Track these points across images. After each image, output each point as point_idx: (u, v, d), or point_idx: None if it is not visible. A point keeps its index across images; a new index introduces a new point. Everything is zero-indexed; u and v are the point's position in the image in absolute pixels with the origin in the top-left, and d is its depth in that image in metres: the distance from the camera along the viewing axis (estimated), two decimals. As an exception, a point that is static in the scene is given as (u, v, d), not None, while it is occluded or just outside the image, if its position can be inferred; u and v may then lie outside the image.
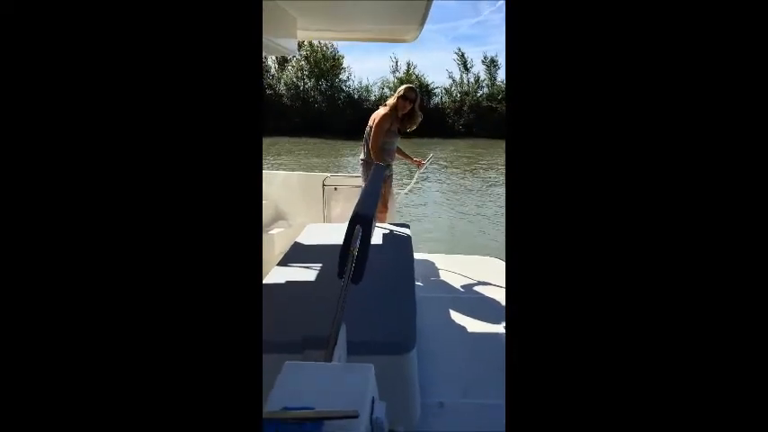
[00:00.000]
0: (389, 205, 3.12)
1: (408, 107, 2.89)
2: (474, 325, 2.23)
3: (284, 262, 2.02)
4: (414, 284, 1.87)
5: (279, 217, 3.44)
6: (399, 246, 2.30)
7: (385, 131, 2.89)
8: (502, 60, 28.60)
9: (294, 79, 27.79)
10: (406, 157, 3.24)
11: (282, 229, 3.21)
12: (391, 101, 2.91)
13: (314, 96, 27.51)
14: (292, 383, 0.86)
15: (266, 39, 2.05)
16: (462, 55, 28.29)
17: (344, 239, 1.21)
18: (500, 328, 2.16)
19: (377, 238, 2.36)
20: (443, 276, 2.81)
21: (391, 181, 3.11)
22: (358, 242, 1.19)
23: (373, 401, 0.84)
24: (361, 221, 1.22)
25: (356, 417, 0.73)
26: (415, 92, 2.92)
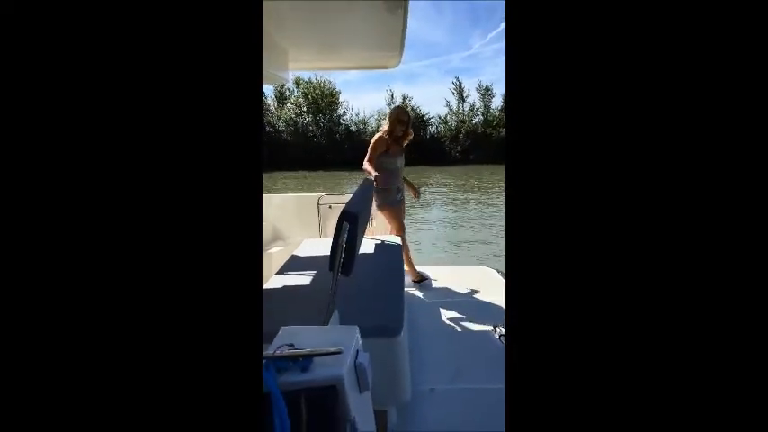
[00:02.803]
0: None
1: (403, 129, 2.84)
2: (464, 323, 2.34)
3: (282, 271, 2.16)
4: (403, 281, 1.99)
5: (277, 237, 3.57)
6: (390, 251, 2.44)
7: (380, 154, 2.81)
8: (496, 89, 29.50)
9: (293, 116, 28.55)
10: (409, 185, 3.08)
11: (281, 248, 3.35)
12: (385, 126, 2.85)
13: (312, 131, 28.18)
14: (288, 339, 0.99)
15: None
16: (460, 84, 29.36)
17: (334, 235, 1.36)
18: (490, 327, 2.27)
19: (369, 246, 2.51)
20: (436, 284, 2.94)
21: (404, 205, 2.97)
22: (346, 236, 1.34)
23: (358, 352, 0.97)
24: (349, 218, 1.37)
25: (340, 353, 0.86)
26: (407, 113, 2.90)
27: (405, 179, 3.01)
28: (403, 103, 29.00)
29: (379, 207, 2.83)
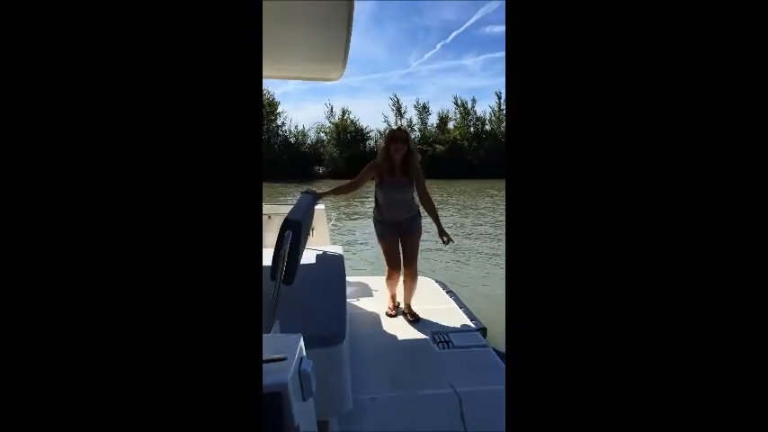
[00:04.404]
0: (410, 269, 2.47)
1: (398, 147, 2.33)
2: (405, 332, 2.39)
3: None
4: (344, 291, 2.00)
5: None
6: (332, 262, 2.44)
7: (376, 183, 2.44)
8: (433, 107, 30.60)
9: (228, 125, 27.53)
10: (435, 218, 2.46)
11: None
12: (381, 153, 2.41)
13: (249, 141, 27.33)
14: None
15: None
16: (398, 101, 30.15)
17: (276, 243, 1.34)
18: (428, 335, 2.33)
19: (310, 256, 2.49)
20: (376, 295, 2.97)
21: (410, 239, 2.46)
22: (288, 245, 1.33)
23: (302, 360, 0.97)
24: (291, 226, 1.36)
25: (285, 359, 0.86)
26: (403, 130, 2.42)
27: (433, 215, 2.44)
28: (343, 116, 29.16)
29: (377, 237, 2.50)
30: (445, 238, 2.40)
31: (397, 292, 2.63)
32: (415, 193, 2.44)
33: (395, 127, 2.49)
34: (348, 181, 2.49)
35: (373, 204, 2.52)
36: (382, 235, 2.45)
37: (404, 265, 2.47)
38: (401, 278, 2.51)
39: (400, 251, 2.46)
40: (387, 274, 2.53)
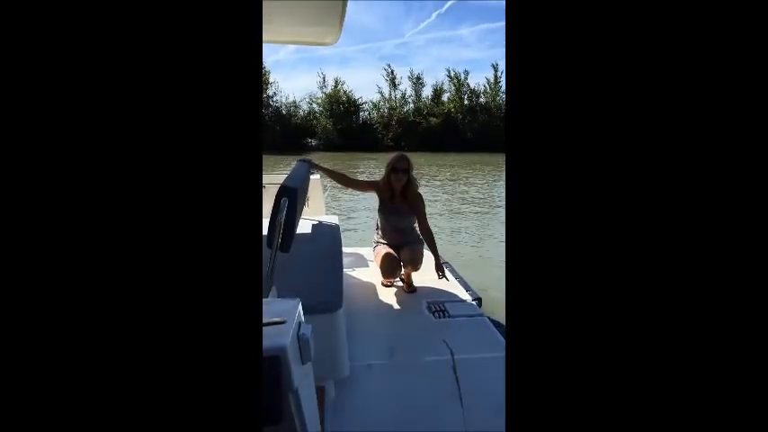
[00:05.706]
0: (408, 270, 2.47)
1: (403, 180, 2.34)
2: (399, 301, 2.40)
3: None
4: (341, 259, 1.99)
5: None
6: (328, 231, 2.43)
7: (378, 207, 2.48)
8: (428, 79, 30.15)
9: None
10: (433, 249, 2.42)
11: None
12: (383, 178, 2.41)
13: (240, 112, 26.91)
14: None
15: None
16: (392, 72, 29.58)
17: (272, 211, 1.31)
18: (423, 304, 2.34)
19: (306, 226, 2.47)
20: (372, 265, 2.96)
21: (419, 243, 2.45)
22: (285, 212, 1.30)
23: (300, 325, 0.96)
24: (287, 193, 1.33)
25: (284, 323, 0.84)
26: (406, 159, 2.37)
27: (431, 245, 2.41)
28: (336, 86, 28.64)
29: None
30: (440, 273, 2.39)
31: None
32: (416, 224, 2.45)
33: (398, 154, 2.43)
34: (349, 177, 2.50)
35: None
36: (380, 249, 2.45)
37: (406, 268, 2.42)
38: (400, 266, 2.46)
39: (399, 262, 2.41)
40: (382, 280, 2.56)
